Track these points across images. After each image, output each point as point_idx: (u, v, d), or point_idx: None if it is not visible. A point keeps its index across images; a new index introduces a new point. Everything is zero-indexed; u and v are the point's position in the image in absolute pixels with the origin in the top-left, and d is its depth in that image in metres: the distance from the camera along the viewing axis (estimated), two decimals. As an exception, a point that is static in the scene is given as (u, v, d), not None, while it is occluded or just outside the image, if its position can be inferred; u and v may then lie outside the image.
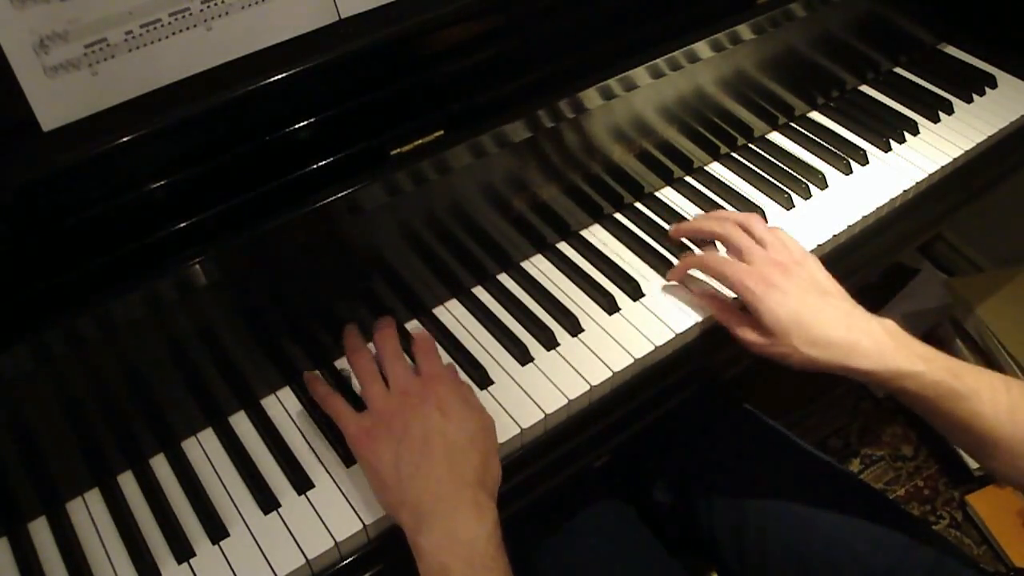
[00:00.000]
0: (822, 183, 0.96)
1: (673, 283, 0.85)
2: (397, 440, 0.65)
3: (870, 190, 0.96)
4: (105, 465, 0.72)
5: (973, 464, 1.45)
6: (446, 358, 0.79)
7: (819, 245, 0.89)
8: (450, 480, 0.63)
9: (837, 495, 0.86)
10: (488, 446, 0.67)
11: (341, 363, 0.80)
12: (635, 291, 0.84)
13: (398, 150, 0.73)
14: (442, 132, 0.75)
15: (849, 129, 1.04)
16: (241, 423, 0.76)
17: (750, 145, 1.02)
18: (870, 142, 1.02)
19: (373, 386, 0.70)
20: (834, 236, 0.90)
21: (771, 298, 0.73)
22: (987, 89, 1.10)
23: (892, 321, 0.72)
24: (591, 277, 0.86)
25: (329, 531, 0.68)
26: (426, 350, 0.73)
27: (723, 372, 0.89)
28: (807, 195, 0.95)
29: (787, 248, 0.78)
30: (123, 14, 0.60)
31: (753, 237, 0.79)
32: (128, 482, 0.72)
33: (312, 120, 0.70)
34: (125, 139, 0.62)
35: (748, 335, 0.75)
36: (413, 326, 0.83)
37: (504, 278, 0.87)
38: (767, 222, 0.88)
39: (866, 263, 0.94)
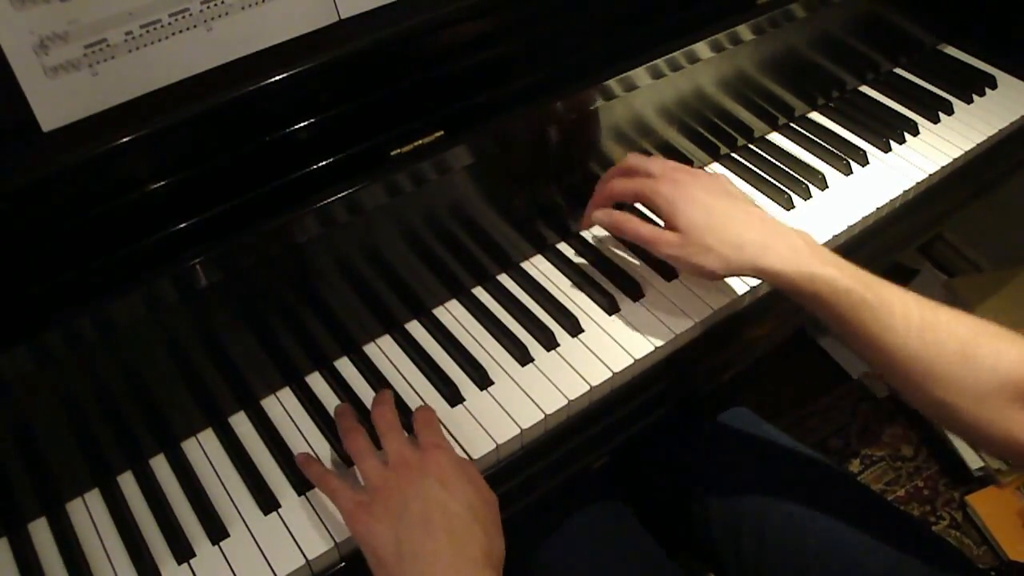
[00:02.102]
0: (822, 183, 0.96)
1: (675, 283, 0.85)
2: (396, 517, 0.61)
3: (870, 190, 0.96)
4: (105, 465, 0.72)
5: (973, 464, 1.45)
6: (445, 359, 0.79)
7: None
8: (455, 560, 0.58)
9: (835, 497, 0.86)
10: (490, 520, 0.63)
11: (340, 363, 0.80)
12: (635, 291, 0.84)
13: (398, 150, 0.73)
14: (442, 132, 0.75)
15: (849, 129, 1.04)
16: (241, 423, 0.76)
17: (750, 146, 1.02)
18: (870, 142, 1.02)
19: (369, 461, 0.66)
20: (834, 236, 0.91)
21: (683, 199, 0.73)
22: (987, 89, 1.10)
23: (806, 232, 0.73)
24: (592, 278, 0.86)
25: (329, 532, 0.68)
26: (426, 421, 0.69)
27: (722, 373, 0.89)
28: (807, 195, 0.95)
29: (692, 168, 0.79)
30: (123, 14, 0.60)
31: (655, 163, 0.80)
32: (128, 482, 0.72)
33: (312, 120, 0.70)
34: (125, 139, 0.62)
35: (664, 237, 0.74)
36: (413, 326, 0.83)
37: (504, 278, 0.87)
38: None
39: (866, 263, 0.94)
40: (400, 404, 0.76)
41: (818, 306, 0.70)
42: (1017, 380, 0.63)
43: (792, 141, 1.03)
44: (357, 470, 0.67)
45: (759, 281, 0.85)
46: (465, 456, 0.72)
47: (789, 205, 0.94)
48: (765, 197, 0.95)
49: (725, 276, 0.73)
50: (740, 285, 0.85)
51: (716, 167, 0.99)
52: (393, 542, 0.60)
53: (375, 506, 0.62)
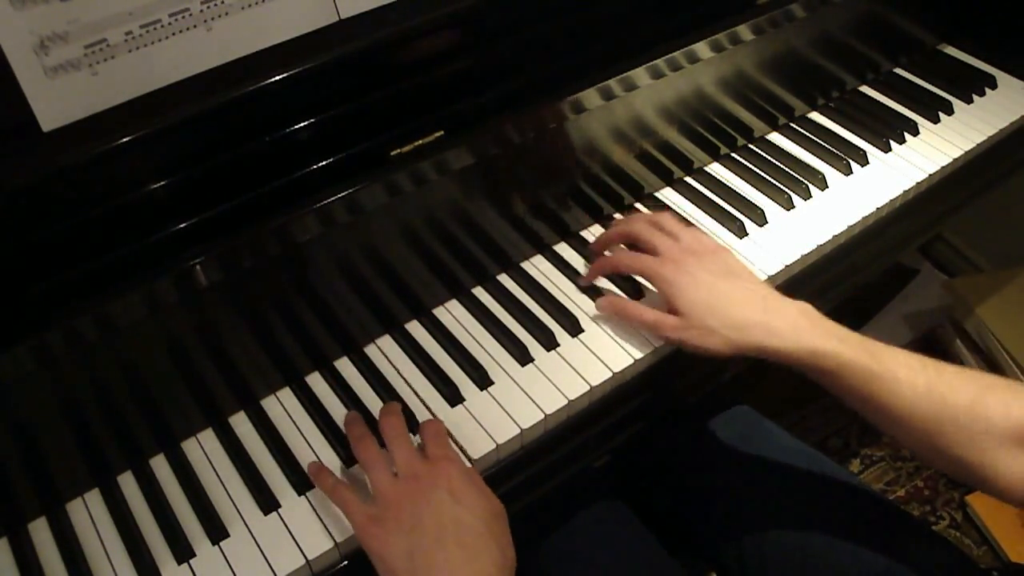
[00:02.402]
0: (822, 183, 0.96)
1: None
2: (408, 529, 0.61)
3: (870, 191, 0.96)
4: (105, 465, 0.72)
5: (973, 464, 1.45)
6: (445, 359, 0.79)
7: (819, 246, 0.89)
8: (466, 570, 0.59)
9: (836, 496, 0.86)
10: (502, 531, 0.63)
11: (341, 363, 0.80)
12: (636, 291, 0.84)
13: (398, 151, 0.73)
14: (442, 132, 0.75)
15: (849, 129, 1.04)
16: (241, 423, 0.76)
17: (750, 146, 1.02)
18: (870, 142, 1.02)
19: (380, 473, 0.65)
20: (834, 237, 0.90)
21: (684, 282, 0.73)
22: (987, 89, 1.10)
23: (807, 304, 0.73)
24: (591, 277, 0.86)
25: (329, 532, 0.68)
26: (435, 433, 0.69)
27: (722, 374, 0.89)
28: (807, 195, 0.95)
29: (699, 240, 0.79)
30: (123, 14, 0.60)
31: (664, 232, 0.79)
32: (128, 482, 0.72)
33: (312, 120, 0.70)
34: (125, 139, 0.62)
35: (666, 321, 0.75)
36: (413, 326, 0.83)
37: (504, 278, 0.87)
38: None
39: (866, 263, 0.94)
40: (400, 404, 0.76)
41: (823, 379, 0.70)
42: None
43: (792, 141, 1.03)
44: (367, 480, 0.67)
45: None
46: (465, 456, 0.72)
47: (789, 205, 0.94)
48: (765, 197, 0.95)
49: (730, 355, 0.73)
50: (740, 285, 0.85)
51: (716, 167, 0.99)
52: (406, 556, 0.60)
53: (387, 520, 0.62)
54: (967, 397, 0.65)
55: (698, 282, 0.73)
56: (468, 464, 0.71)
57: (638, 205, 0.94)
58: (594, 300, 0.84)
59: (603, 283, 0.86)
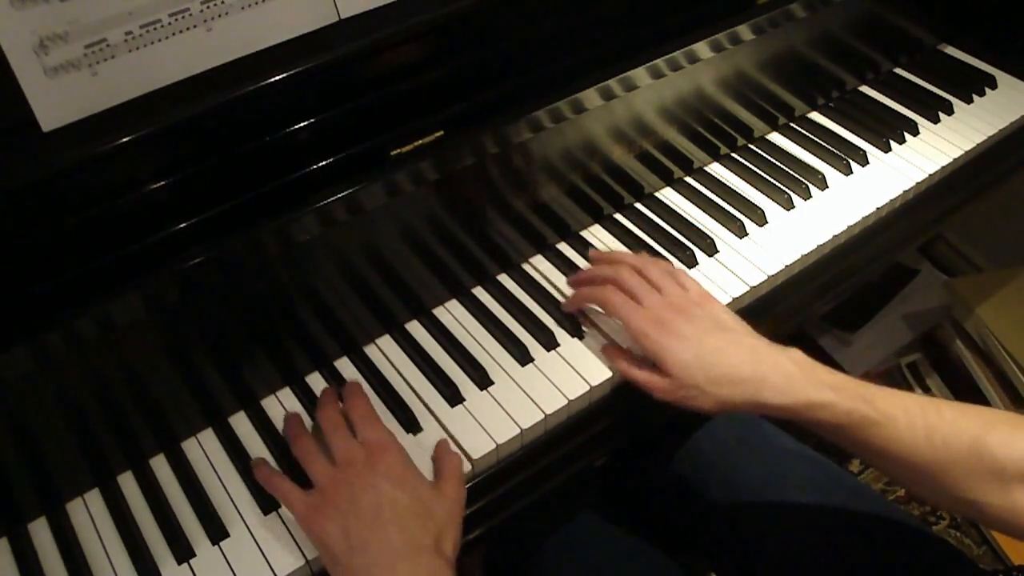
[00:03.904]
0: (822, 183, 0.96)
1: None
2: (345, 512, 0.62)
3: (870, 190, 0.96)
4: (105, 465, 0.72)
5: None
6: (445, 359, 0.79)
7: (819, 246, 0.89)
8: (403, 546, 0.60)
9: (835, 496, 0.86)
10: (443, 511, 0.65)
11: (340, 363, 0.80)
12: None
13: (398, 150, 0.73)
14: (442, 132, 0.75)
15: (849, 129, 1.04)
16: (241, 423, 0.76)
17: (750, 145, 1.02)
18: (870, 142, 1.02)
19: (315, 463, 0.67)
20: (834, 236, 0.90)
21: (671, 343, 0.70)
22: (987, 89, 1.10)
23: (798, 350, 0.70)
24: (591, 277, 0.86)
25: (329, 531, 0.68)
26: (362, 415, 0.70)
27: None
28: (807, 195, 0.95)
29: (684, 289, 0.76)
30: (123, 14, 0.60)
31: (649, 281, 0.76)
32: (128, 482, 0.72)
33: (312, 120, 0.70)
34: (125, 139, 0.62)
35: (654, 382, 0.72)
36: (413, 326, 0.83)
37: (504, 278, 0.87)
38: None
39: (866, 263, 0.94)
40: (400, 404, 0.76)
41: (821, 430, 0.69)
42: None
43: (792, 141, 1.03)
44: (307, 472, 0.67)
45: (760, 281, 0.85)
46: (465, 456, 0.72)
47: (789, 205, 0.94)
48: (765, 197, 0.95)
49: (721, 413, 0.71)
50: (740, 285, 0.85)
51: (716, 167, 0.99)
52: (343, 537, 0.62)
53: (326, 506, 0.64)
54: (968, 438, 0.64)
55: (685, 342, 0.70)
56: (461, 454, 0.71)
57: (638, 205, 0.94)
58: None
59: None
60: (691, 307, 0.74)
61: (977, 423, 0.65)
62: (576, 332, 0.81)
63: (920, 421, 0.65)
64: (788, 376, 0.68)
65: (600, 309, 0.79)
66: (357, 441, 0.68)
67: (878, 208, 0.94)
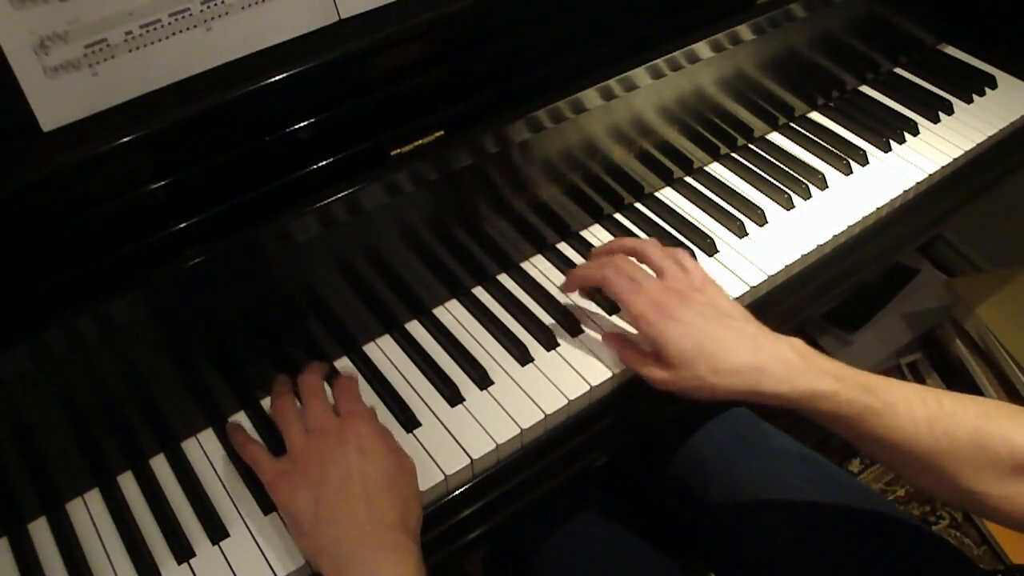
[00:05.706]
0: (822, 183, 0.96)
1: None
2: (315, 484, 0.63)
3: (870, 190, 0.96)
4: (105, 465, 0.72)
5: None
6: (445, 359, 0.79)
7: (819, 246, 0.89)
8: (369, 522, 0.60)
9: (835, 497, 0.86)
10: (408, 489, 0.65)
11: (340, 363, 0.80)
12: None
13: (398, 150, 0.73)
14: (442, 132, 0.75)
15: (849, 129, 1.04)
16: (241, 423, 0.76)
17: (750, 145, 1.02)
18: (870, 142, 1.02)
19: (291, 429, 0.67)
20: (834, 236, 0.90)
21: (671, 329, 0.69)
22: (987, 89, 1.10)
23: (799, 340, 0.70)
24: (591, 277, 0.86)
25: (329, 531, 0.68)
26: (345, 389, 0.70)
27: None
28: (807, 195, 0.95)
29: (686, 273, 0.75)
30: (123, 14, 0.60)
31: (651, 264, 0.76)
32: (128, 482, 0.72)
33: (312, 120, 0.70)
34: (125, 139, 0.62)
35: (653, 371, 0.71)
36: (413, 326, 0.83)
37: (504, 278, 0.87)
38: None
39: (866, 263, 0.94)
40: (400, 404, 0.76)
41: (821, 419, 0.68)
42: None
43: (792, 141, 1.03)
44: (283, 436, 0.68)
45: (760, 281, 0.85)
46: (465, 456, 0.72)
47: (789, 205, 0.94)
48: (765, 197, 0.95)
49: (722, 401, 0.70)
50: (740, 285, 0.85)
51: (716, 167, 0.99)
52: (312, 508, 0.62)
53: (295, 474, 0.64)
54: (969, 428, 0.64)
55: (685, 329, 0.69)
56: (461, 454, 0.71)
57: (638, 205, 0.94)
58: (595, 300, 0.84)
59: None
60: (692, 292, 0.73)
61: (978, 414, 0.65)
62: (576, 332, 0.81)
63: (921, 411, 0.65)
64: (789, 365, 0.67)
65: (598, 310, 0.79)
66: (332, 412, 0.68)
67: (878, 208, 0.94)
